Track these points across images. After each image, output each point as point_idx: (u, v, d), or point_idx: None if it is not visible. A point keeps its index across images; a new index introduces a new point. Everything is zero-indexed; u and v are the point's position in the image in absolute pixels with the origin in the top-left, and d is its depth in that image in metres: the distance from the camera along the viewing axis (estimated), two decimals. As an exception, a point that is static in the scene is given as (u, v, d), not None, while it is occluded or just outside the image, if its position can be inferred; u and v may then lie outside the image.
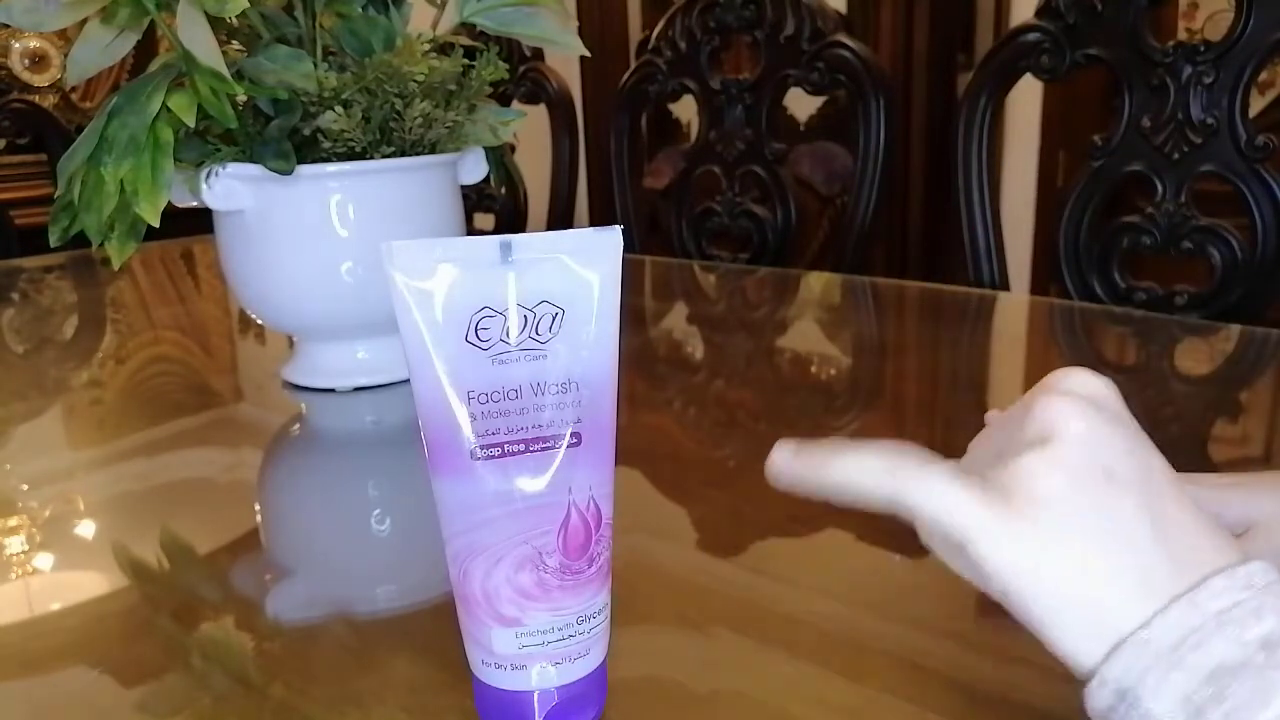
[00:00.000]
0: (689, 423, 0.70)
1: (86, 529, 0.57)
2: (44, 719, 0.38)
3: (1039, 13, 1.02)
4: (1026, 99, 2.55)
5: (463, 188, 0.77)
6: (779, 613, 0.43)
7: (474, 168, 0.77)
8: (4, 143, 2.50)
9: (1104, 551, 0.27)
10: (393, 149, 0.68)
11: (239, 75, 0.64)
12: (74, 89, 2.75)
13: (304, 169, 0.66)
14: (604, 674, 0.35)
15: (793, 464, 0.33)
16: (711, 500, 0.55)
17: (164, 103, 0.61)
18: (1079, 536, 0.27)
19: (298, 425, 0.74)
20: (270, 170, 0.65)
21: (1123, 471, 0.28)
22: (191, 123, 0.60)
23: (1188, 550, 0.28)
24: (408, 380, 0.32)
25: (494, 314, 0.31)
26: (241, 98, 0.64)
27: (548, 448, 0.32)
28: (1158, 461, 0.30)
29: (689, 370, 0.85)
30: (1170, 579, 0.27)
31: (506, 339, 0.31)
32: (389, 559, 0.51)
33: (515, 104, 1.54)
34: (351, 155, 0.67)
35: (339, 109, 0.65)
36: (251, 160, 0.66)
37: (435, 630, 0.41)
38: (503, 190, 1.55)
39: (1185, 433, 0.65)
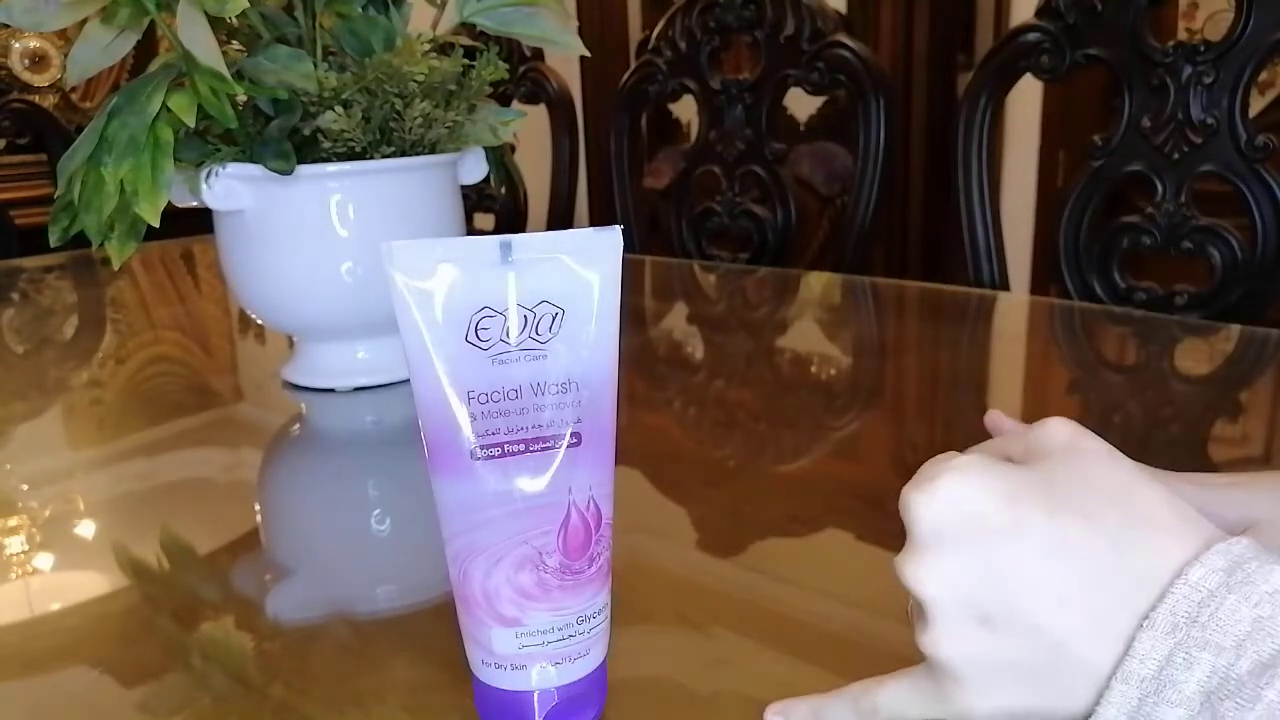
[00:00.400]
0: (689, 423, 0.70)
1: (86, 529, 0.57)
2: (44, 719, 0.38)
3: (1039, 13, 1.02)
4: (1026, 99, 2.55)
5: (463, 188, 0.77)
6: (779, 613, 0.43)
7: (474, 168, 0.77)
8: (4, 143, 2.50)
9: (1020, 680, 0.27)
10: (393, 149, 0.68)
11: (239, 75, 0.64)
12: (74, 89, 2.75)
13: (304, 169, 0.66)
14: (604, 674, 0.35)
15: None
16: (711, 500, 0.55)
17: (164, 103, 0.61)
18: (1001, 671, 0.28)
19: (298, 425, 0.74)
20: (270, 170, 0.65)
21: (996, 611, 0.28)
22: (191, 123, 0.60)
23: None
24: (408, 380, 0.32)
25: (494, 314, 0.31)
26: (241, 98, 0.64)
27: (548, 448, 0.32)
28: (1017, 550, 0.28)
29: (689, 370, 0.85)
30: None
31: (506, 339, 0.31)
32: (389, 559, 0.51)
33: (515, 104, 1.54)
34: (351, 155, 0.67)
35: (339, 109, 0.65)
36: (251, 160, 0.66)
37: (435, 630, 0.41)
38: (503, 190, 1.55)
39: (1185, 433, 0.65)
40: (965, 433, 0.68)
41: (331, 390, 0.74)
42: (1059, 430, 0.30)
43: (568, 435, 0.32)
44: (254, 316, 0.75)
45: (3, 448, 0.70)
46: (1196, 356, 0.83)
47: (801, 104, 3.05)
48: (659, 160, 2.97)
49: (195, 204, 0.68)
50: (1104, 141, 0.99)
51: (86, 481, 0.64)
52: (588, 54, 0.71)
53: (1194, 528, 0.27)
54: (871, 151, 1.19)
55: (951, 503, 0.28)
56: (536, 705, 0.33)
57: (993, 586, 0.27)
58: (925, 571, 0.28)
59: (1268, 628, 0.24)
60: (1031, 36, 1.02)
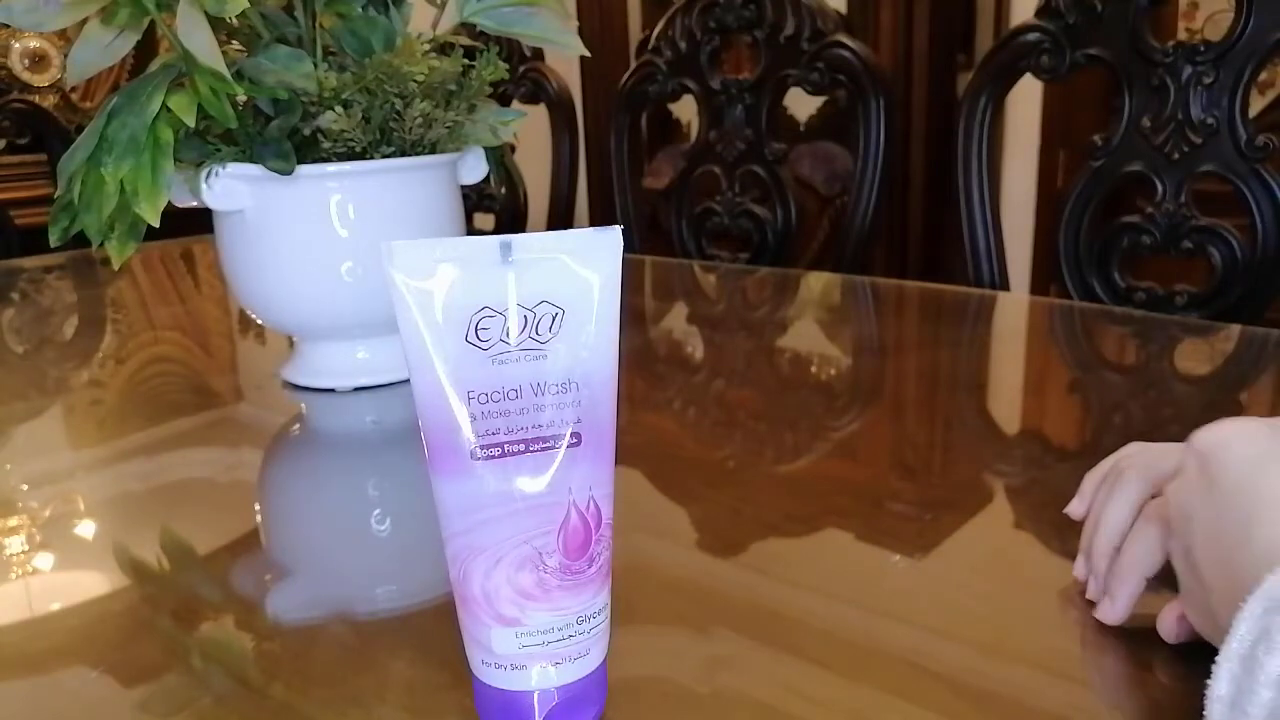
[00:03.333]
0: (689, 423, 0.70)
1: (86, 529, 0.57)
2: (44, 719, 0.38)
3: (1039, 13, 1.02)
4: (1026, 99, 2.55)
5: (463, 188, 0.77)
6: (779, 613, 0.43)
7: (474, 168, 0.77)
8: (4, 143, 2.50)
9: None
10: (393, 149, 0.68)
11: (239, 75, 0.64)
12: (74, 89, 2.75)
13: (304, 169, 0.66)
14: (604, 674, 0.35)
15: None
16: (711, 500, 0.55)
17: (164, 103, 0.61)
18: None
19: (298, 425, 0.74)
20: (270, 170, 0.65)
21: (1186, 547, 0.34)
22: (191, 123, 0.60)
23: None
24: (408, 380, 0.32)
25: (494, 314, 0.31)
26: (241, 98, 0.64)
27: (548, 448, 0.32)
28: None
29: (689, 370, 0.85)
30: None
31: (506, 339, 0.31)
32: (389, 559, 0.51)
33: (515, 104, 1.54)
34: (351, 155, 0.67)
35: (339, 109, 0.65)
36: (251, 160, 0.66)
37: (435, 630, 0.41)
38: (503, 190, 1.55)
39: (1185, 433, 0.65)
40: (965, 433, 0.68)
41: (331, 390, 0.74)
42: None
43: (568, 435, 0.32)
44: (254, 316, 0.75)
45: (3, 448, 0.69)
46: (1196, 356, 0.83)
47: (801, 104, 3.05)
48: (659, 160, 2.97)
49: (195, 204, 0.68)
50: (1104, 141, 0.99)
51: (86, 481, 0.64)
52: (588, 54, 0.71)
53: None
54: (871, 151, 1.19)
55: (1203, 456, 0.34)
56: (536, 705, 0.33)
57: (1184, 533, 0.34)
58: (1173, 482, 0.36)
59: None
60: (1031, 36, 1.02)
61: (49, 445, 0.71)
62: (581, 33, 0.71)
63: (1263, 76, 1.23)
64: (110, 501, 0.60)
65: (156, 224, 0.62)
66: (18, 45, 2.68)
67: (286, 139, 0.65)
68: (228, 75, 0.60)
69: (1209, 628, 0.33)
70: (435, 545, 0.33)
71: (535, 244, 0.31)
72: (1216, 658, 0.27)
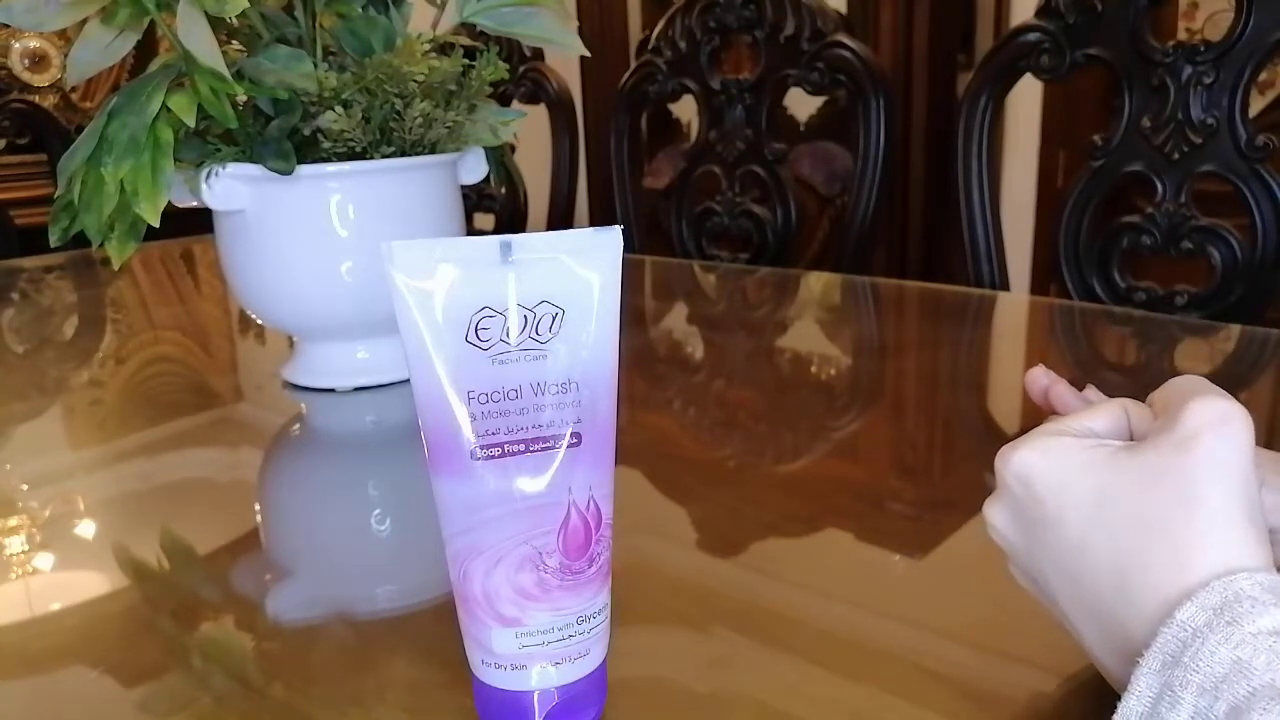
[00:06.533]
0: (689, 423, 0.70)
1: (86, 529, 0.57)
2: (44, 719, 0.38)
3: (1039, 13, 1.02)
4: (1026, 99, 2.55)
5: (463, 188, 0.77)
6: (779, 613, 0.43)
7: (474, 168, 0.77)
8: (4, 143, 2.50)
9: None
10: (393, 149, 0.68)
11: (239, 75, 0.64)
12: (74, 89, 2.75)
13: (304, 169, 0.66)
14: (604, 674, 0.35)
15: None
16: (711, 500, 0.55)
17: (164, 103, 0.61)
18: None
19: (298, 425, 0.74)
20: (270, 170, 0.65)
21: (1027, 572, 0.34)
22: (191, 123, 0.60)
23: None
24: (408, 380, 0.32)
25: (494, 314, 0.31)
26: (241, 98, 0.64)
27: (548, 448, 0.32)
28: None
29: (689, 370, 0.85)
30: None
31: (506, 339, 0.31)
32: (389, 559, 0.51)
33: (515, 104, 1.54)
34: (351, 155, 0.67)
35: (339, 109, 0.65)
36: (251, 160, 0.66)
37: (435, 630, 0.41)
38: (503, 190, 1.55)
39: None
40: (966, 433, 0.68)
41: (331, 390, 0.74)
42: (1192, 419, 0.29)
43: (568, 435, 0.32)
44: (254, 316, 0.75)
45: (3, 448, 0.69)
46: (1196, 356, 0.83)
47: (801, 104, 3.05)
48: (659, 160, 2.97)
49: (195, 204, 0.68)
50: (1104, 141, 0.99)
51: (86, 481, 0.64)
52: (588, 54, 0.71)
53: (1226, 556, 0.27)
54: (871, 151, 1.19)
55: (1020, 472, 0.32)
56: (536, 705, 0.33)
57: (1028, 554, 0.32)
58: (989, 507, 0.34)
59: (1245, 669, 0.24)
60: (1031, 36, 1.02)
61: (49, 445, 0.71)
62: (581, 33, 0.71)
63: (1263, 76, 1.23)
64: (110, 501, 0.60)
65: (156, 224, 0.62)
66: (18, 45, 2.68)
67: (286, 139, 0.65)
68: (228, 75, 0.60)
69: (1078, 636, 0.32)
70: (435, 545, 0.33)
71: (535, 244, 0.31)
72: (1114, 717, 0.27)
